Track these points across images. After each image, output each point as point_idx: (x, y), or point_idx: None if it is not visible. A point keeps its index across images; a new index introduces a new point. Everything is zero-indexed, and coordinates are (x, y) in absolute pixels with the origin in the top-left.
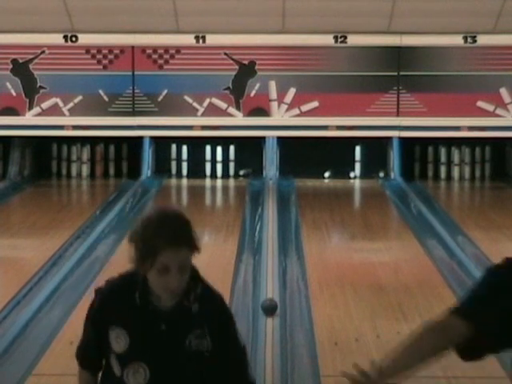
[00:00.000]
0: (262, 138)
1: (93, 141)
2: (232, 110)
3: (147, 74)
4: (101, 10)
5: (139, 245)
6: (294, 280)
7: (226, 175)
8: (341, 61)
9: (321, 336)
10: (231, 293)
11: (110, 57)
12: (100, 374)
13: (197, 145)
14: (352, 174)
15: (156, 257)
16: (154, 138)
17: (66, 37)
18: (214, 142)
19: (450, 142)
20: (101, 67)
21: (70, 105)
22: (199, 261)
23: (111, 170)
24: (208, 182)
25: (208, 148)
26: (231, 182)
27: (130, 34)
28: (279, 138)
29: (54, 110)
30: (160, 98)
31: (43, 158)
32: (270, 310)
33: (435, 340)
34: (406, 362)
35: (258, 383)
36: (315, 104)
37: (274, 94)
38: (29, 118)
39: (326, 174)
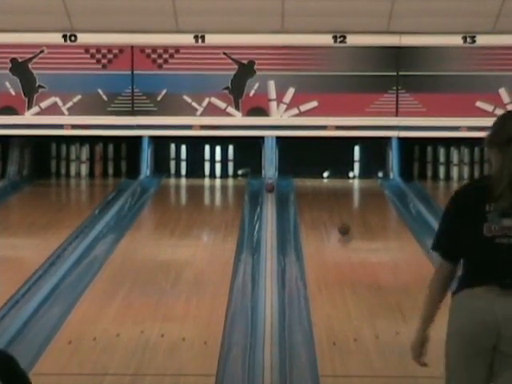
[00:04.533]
0: (261, 138)
1: (92, 140)
2: (231, 109)
3: (146, 73)
4: (100, 9)
5: None
6: (292, 280)
7: (224, 175)
8: (340, 61)
9: (319, 336)
10: (230, 292)
11: (109, 56)
12: None
13: (196, 144)
14: (351, 174)
15: None
16: (153, 138)
17: (65, 36)
18: (213, 141)
19: (448, 142)
20: (100, 67)
21: (69, 104)
22: (198, 260)
23: (110, 170)
24: (207, 181)
25: (207, 148)
26: (230, 182)
27: (129, 33)
28: (278, 138)
29: (53, 110)
30: (159, 98)
31: (42, 158)
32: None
33: (436, 283)
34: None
35: (257, 383)
36: (314, 104)
37: (273, 94)
38: (28, 117)
39: (325, 174)
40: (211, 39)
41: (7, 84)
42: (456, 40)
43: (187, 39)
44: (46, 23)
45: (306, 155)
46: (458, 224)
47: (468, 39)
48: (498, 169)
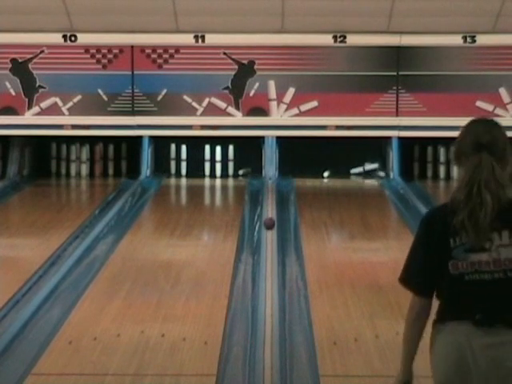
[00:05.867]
0: (262, 138)
1: (92, 140)
2: (231, 109)
3: (146, 73)
4: (100, 9)
5: None
6: (293, 280)
7: (225, 175)
8: (340, 60)
9: (320, 336)
10: (230, 292)
11: (110, 56)
12: None
13: (196, 144)
14: (326, 174)
15: None
16: (153, 138)
17: (65, 36)
18: (214, 141)
19: (449, 142)
20: (100, 67)
21: (69, 104)
22: (198, 260)
23: (110, 170)
24: (207, 181)
25: (207, 147)
26: (230, 182)
27: (129, 33)
28: (278, 138)
29: (53, 110)
30: (159, 98)
31: (42, 158)
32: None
33: (412, 321)
34: (410, 353)
35: (257, 383)
36: (314, 104)
37: (273, 94)
38: (28, 117)
39: (325, 174)
40: (211, 39)
41: (7, 84)
42: (456, 40)
43: (187, 39)
44: (46, 23)
45: (306, 155)
46: (426, 257)
47: (468, 39)
48: (461, 188)
